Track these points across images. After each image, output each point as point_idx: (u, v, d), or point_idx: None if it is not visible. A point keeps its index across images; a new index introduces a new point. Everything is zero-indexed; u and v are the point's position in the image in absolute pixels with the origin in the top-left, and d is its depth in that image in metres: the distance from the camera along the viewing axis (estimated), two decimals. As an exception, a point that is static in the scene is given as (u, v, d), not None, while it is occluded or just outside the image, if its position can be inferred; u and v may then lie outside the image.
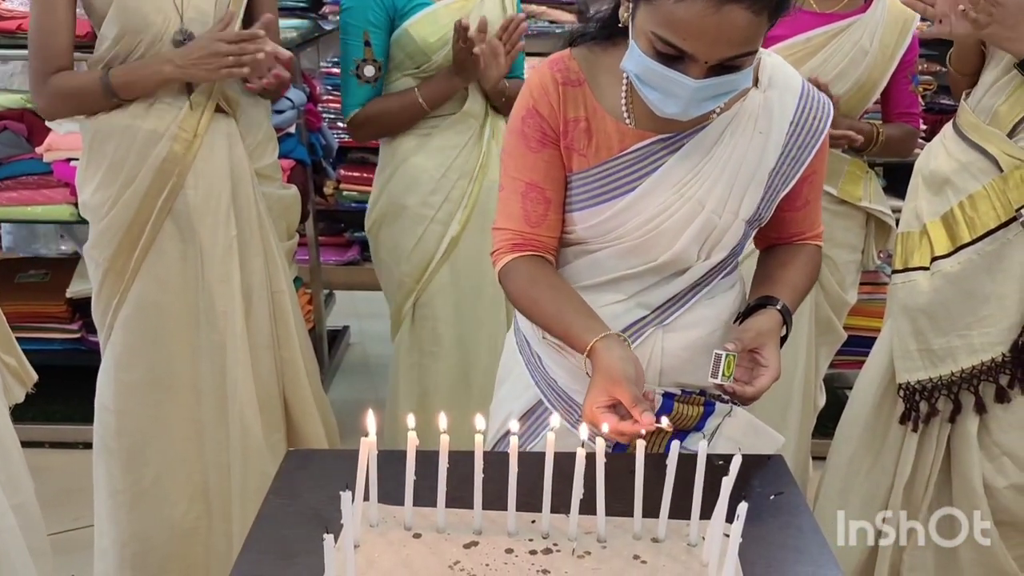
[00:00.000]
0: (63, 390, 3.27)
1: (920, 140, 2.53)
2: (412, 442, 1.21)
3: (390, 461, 1.24)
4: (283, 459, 1.46)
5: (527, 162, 1.50)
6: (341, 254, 3.74)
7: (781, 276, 1.56)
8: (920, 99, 2.45)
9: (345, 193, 3.51)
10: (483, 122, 2.46)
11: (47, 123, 2.98)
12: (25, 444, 1.88)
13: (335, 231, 3.76)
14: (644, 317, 1.53)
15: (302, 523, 1.27)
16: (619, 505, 1.24)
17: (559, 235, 1.54)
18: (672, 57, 1.31)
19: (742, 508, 1.09)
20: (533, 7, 3.30)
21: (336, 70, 3.38)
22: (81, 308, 3.28)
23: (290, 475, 1.40)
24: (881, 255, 2.64)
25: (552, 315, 1.47)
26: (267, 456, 2.26)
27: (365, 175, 3.39)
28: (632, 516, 1.24)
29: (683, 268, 1.51)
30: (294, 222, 2.48)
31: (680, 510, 1.23)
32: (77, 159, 2.90)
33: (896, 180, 2.51)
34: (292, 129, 3.18)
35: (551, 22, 3.33)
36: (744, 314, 1.53)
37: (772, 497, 1.35)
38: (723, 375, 1.40)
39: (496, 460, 1.23)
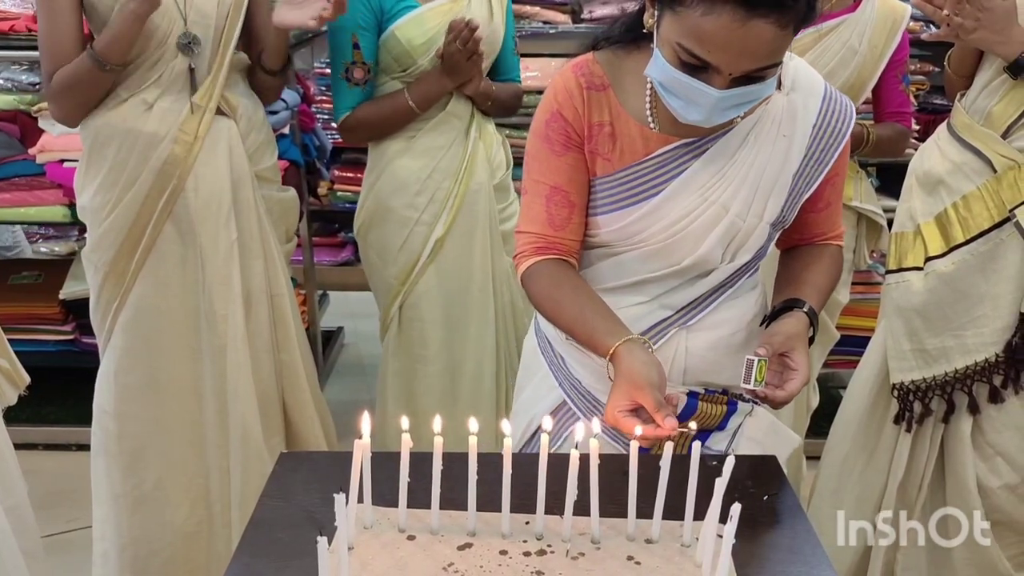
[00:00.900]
0: (56, 392, 3.27)
1: (913, 140, 2.54)
2: (406, 444, 1.21)
3: (384, 463, 1.24)
4: (276, 461, 1.46)
5: (551, 166, 1.50)
6: (335, 255, 3.73)
7: (805, 278, 1.56)
8: (912, 99, 2.46)
9: (339, 194, 3.50)
10: (468, 123, 2.45)
11: (41, 124, 2.97)
12: (18, 446, 1.88)
13: (329, 232, 3.75)
14: (668, 318, 1.53)
15: (296, 525, 1.26)
16: (613, 506, 1.24)
17: (582, 238, 1.54)
18: (696, 67, 1.31)
19: (736, 509, 1.09)
20: (526, 8, 3.29)
21: (330, 71, 3.37)
22: (74, 310, 3.28)
23: (284, 477, 1.40)
24: (874, 255, 2.64)
25: (574, 318, 1.47)
26: (267, 459, 2.25)
27: (359, 176, 3.35)
28: (626, 517, 1.24)
29: (707, 271, 1.52)
30: (293, 224, 2.49)
31: (674, 511, 1.23)
32: (71, 160, 2.92)
33: (890, 180, 2.51)
34: (286, 130, 3.19)
35: (544, 23, 3.33)
36: (770, 317, 1.53)
37: (766, 498, 1.35)
38: (755, 380, 1.40)
39: (490, 462, 1.23)
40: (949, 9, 1.85)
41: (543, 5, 3.35)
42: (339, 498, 1.11)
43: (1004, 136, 1.93)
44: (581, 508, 1.21)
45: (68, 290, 3.25)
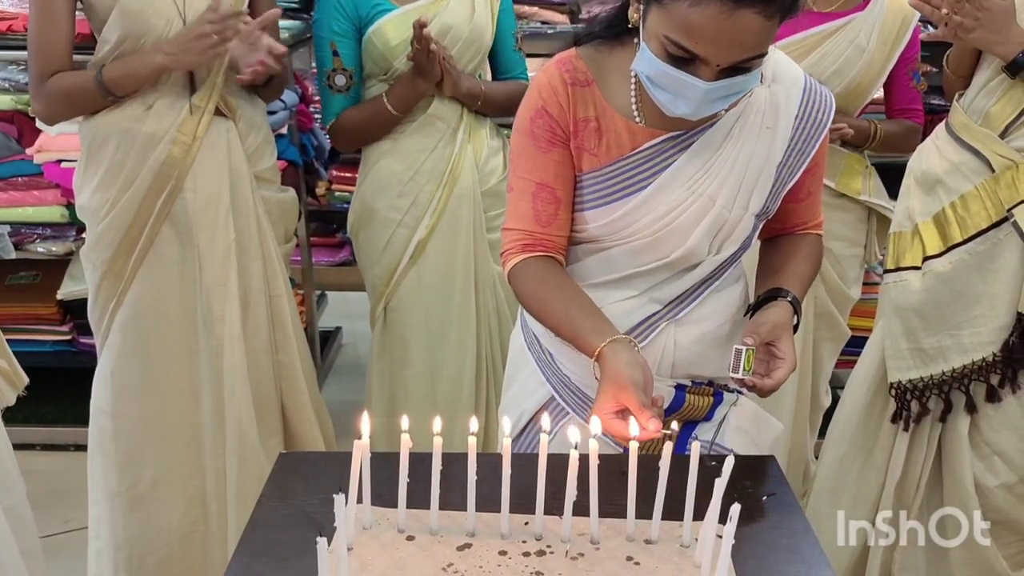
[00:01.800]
0: (54, 392, 3.27)
1: (916, 138, 2.54)
2: (405, 444, 1.21)
3: (383, 463, 1.24)
4: (275, 462, 1.45)
5: (537, 162, 1.50)
6: (333, 255, 3.73)
7: (787, 267, 1.58)
8: (922, 95, 2.47)
9: (337, 194, 3.49)
10: (456, 125, 2.42)
11: (39, 125, 2.97)
12: (16, 446, 1.88)
13: (327, 232, 3.75)
14: (656, 312, 1.54)
15: (295, 526, 1.26)
16: (612, 507, 1.24)
17: (569, 235, 1.54)
18: (683, 59, 1.32)
19: (735, 509, 1.09)
20: (525, 8, 3.29)
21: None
22: (72, 310, 3.27)
23: (283, 478, 1.40)
24: (883, 251, 2.65)
25: (561, 317, 1.47)
26: (264, 460, 2.25)
27: (356, 176, 3.39)
28: (625, 518, 1.24)
29: (694, 263, 1.53)
30: (292, 225, 2.48)
31: (673, 511, 1.23)
32: (68, 160, 2.91)
33: (888, 181, 2.51)
34: (284, 130, 3.18)
35: (543, 23, 3.32)
36: (754, 307, 1.54)
37: (765, 498, 1.36)
38: (744, 369, 1.42)
39: (489, 462, 1.23)
40: (948, 9, 1.86)
41: (541, 5, 3.35)
42: (338, 498, 1.11)
43: (1002, 136, 1.93)
44: (580, 508, 1.21)
45: (66, 290, 3.25)
